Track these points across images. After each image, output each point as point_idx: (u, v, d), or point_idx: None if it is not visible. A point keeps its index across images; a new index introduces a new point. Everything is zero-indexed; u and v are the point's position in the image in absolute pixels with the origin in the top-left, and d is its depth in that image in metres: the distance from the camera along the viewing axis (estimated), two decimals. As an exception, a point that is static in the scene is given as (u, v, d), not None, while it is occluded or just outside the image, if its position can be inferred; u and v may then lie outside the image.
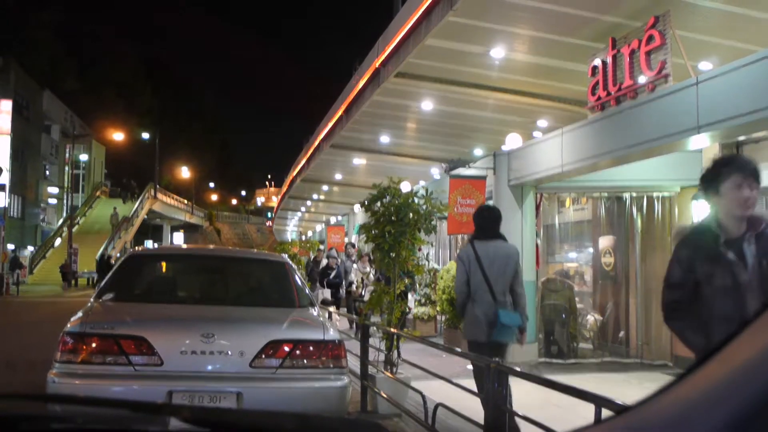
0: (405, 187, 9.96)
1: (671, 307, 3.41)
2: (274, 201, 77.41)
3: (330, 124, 21.13)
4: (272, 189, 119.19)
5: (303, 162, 28.89)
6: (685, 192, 10.59)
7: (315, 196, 34.48)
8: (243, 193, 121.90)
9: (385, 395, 6.63)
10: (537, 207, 11.48)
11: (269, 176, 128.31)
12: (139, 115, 68.41)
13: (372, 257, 11.49)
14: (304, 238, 39.66)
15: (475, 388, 5.28)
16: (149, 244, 56.19)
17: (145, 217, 58.13)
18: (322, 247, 22.27)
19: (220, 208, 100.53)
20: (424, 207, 7.46)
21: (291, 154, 37.36)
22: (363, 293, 13.36)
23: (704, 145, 8.99)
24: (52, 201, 50.85)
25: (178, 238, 69.34)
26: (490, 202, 11.72)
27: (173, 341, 4.75)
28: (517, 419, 3.96)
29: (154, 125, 63.22)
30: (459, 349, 6.40)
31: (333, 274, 16.01)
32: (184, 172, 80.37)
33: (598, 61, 9.55)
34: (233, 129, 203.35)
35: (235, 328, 5.03)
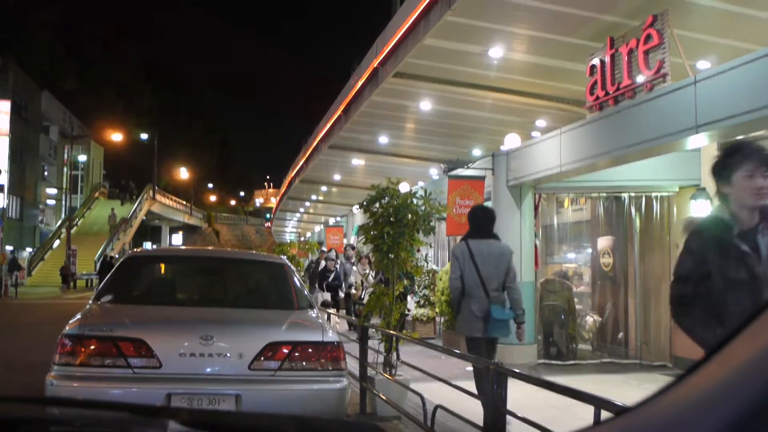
0: (403, 187, 9.96)
1: (681, 301, 3.23)
2: (273, 202, 77.46)
3: (328, 125, 21.15)
4: (271, 190, 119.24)
5: (301, 163, 28.91)
6: (683, 192, 10.59)
7: (314, 197, 34.52)
8: (242, 194, 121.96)
9: (384, 397, 6.62)
10: (536, 207, 11.48)
11: (268, 177, 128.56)
12: (137, 116, 68.38)
13: (371, 259, 11.49)
14: (302, 239, 39.71)
15: (474, 390, 5.28)
16: (148, 245, 56.13)
17: (144, 218, 58.16)
18: (324, 248, 22.24)
19: (219, 209, 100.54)
20: (423, 208, 7.45)
21: (290, 155, 37.39)
22: (363, 296, 13.33)
23: (702, 145, 8.99)
24: (51, 202, 50.82)
25: (177, 240, 69.33)
26: (489, 203, 11.72)
27: (172, 343, 4.74)
28: (515, 420, 3.95)
29: (152, 126, 63.24)
30: (458, 351, 6.41)
31: (332, 276, 15.93)
32: (183, 173, 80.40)
33: (596, 61, 9.56)
34: (232, 129, 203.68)
35: (234, 330, 5.03)
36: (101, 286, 5.97)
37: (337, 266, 16.35)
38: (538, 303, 11.20)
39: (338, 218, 32.48)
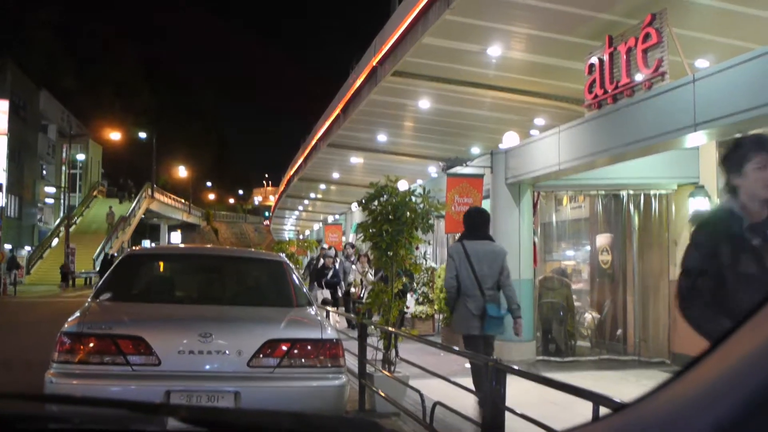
0: (402, 185, 9.97)
1: (688, 295, 3.09)
2: (272, 200, 77.39)
3: (327, 123, 21.14)
4: (270, 188, 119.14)
5: (300, 161, 28.90)
6: (681, 189, 10.60)
7: (312, 195, 34.50)
8: (240, 192, 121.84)
9: (383, 394, 6.63)
10: (534, 205, 11.48)
11: (267, 175, 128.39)
12: (136, 115, 68.29)
13: (370, 257, 11.50)
14: (301, 237, 39.71)
15: (473, 387, 5.30)
16: (147, 243, 56.11)
17: (143, 216, 58.12)
18: (326, 245, 22.23)
19: (218, 207, 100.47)
20: (422, 206, 7.45)
21: (289, 153, 37.34)
22: (363, 294, 13.32)
23: (701, 143, 9.00)
24: (49, 201, 50.80)
25: (176, 238, 69.29)
26: (488, 201, 11.73)
27: (171, 341, 4.75)
28: (515, 417, 3.96)
29: (151, 124, 63.15)
30: (456, 348, 6.43)
31: (330, 273, 15.87)
32: (182, 172, 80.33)
33: (594, 59, 9.55)
34: (231, 128, 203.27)
35: (233, 328, 5.03)
36: (100, 284, 5.98)
37: (336, 264, 16.31)
38: (536, 300, 11.21)
39: (337, 216, 32.48)
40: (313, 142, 24.48)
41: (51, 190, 49.93)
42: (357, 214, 23.17)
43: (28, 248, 43.29)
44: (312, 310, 5.79)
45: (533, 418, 3.70)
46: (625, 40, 8.96)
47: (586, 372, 10.03)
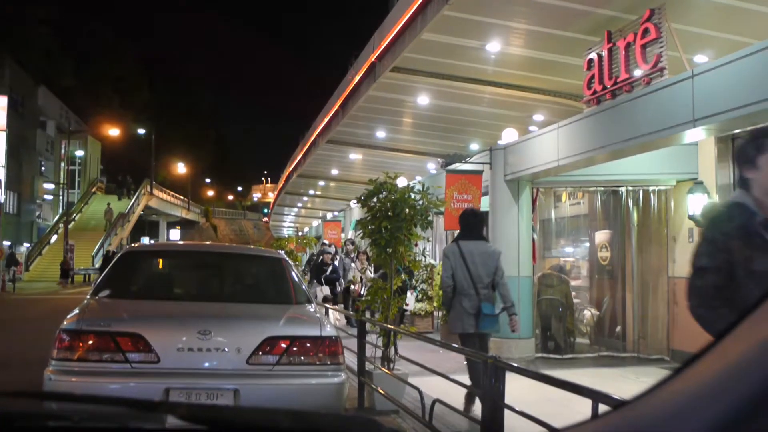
0: (401, 182, 9.97)
1: (700, 294, 2.94)
2: (271, 197, 77.37)
3: (326, 119, 21.12)
4: (269, 185, 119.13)
5: (299, 157, 28.88)
6: (681, 185, 10.60)
7: (311, 192, 34.48)
8: (239, 188, 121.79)
9: (382, 391, 6.63)
10: (533, 202, 11.48)
11: (266, 172, 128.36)
12: (135, 111, 68.20)
13: (369, 254, 11.49)
14: (300, 234, 39.72)
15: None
16: (145, 240, 56.12)
17: (142, 213, 58.08)
18: (326, 242, 22.22)
19: (217, 204, 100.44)
20: (421, 202, 7.46)
21: (287, 150, 37.30)
22: (363, 292, 13.31)
23: (700, 139, 9.01)
24: (48, 197, 50.76)
25: (175, 235, 69.32)
26: (487, 197, 11.73)
27: (170, 338, 4.75)
28: (514, 414, 3.96)
29: (150, 121, 63.09)
30: (456, 345, 6.43)
31: (329, 269, 15.85)
32: (181, 168, 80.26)
33: (593, 55, 9.54)
34: (230, 124, 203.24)
35: (232, 325, 5.03)
36: (99, 281, 5.98)
37: (336, 261, 16.28)
38: (535, 297, 11.22)
39: (336, 213, 32.48)
40: (312, 138, 24.46)
41: (50, 186, 49.87)
42: (356, 211, 23.18)
43: (26, 245, 43.26)
44: (311, 308, 5.79)
45: (532, 415, 3.70)
46: (623, 36, 8.95)
47: (585, 369, 10.03)
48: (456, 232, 7.90)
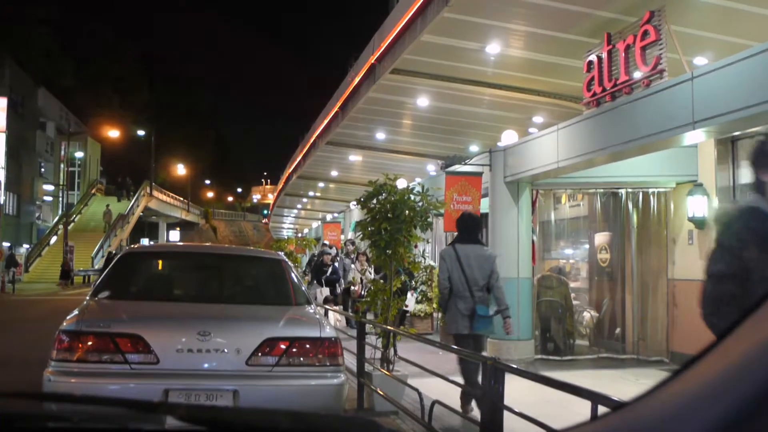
0: (401, 184, 9.96)
1: (714, 302, 2.85)
2: (270, 198, 77.37)
3: (326, 121, 21.12)
4: (268, 186, 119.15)
5: (299, 159, 28.88)
6: (680, 188, 10.60)
7: (311, 193, 34.47)
8: (239, 190, 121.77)
9: (381, 393, 6.63)
10: (533, 203, 11.48)
11: (265, 173, 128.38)
12: (135, 111, 68.20)
13: (369, 255, 11.49)
14: (300, 235, 39.72)
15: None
16: (145, 241, 56.10)
17: (141, 214, 58.05)
18: (326, 242, 22.22)
19: (216, 205, 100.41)
20: (420, 204, 7.46)
21: (287, 150, 37.30)
22: (363, 293, 13.30)
23: (699, 141, 9.01)
24: (48, 198, 50.73)
25: (174, 236, 69.29)
26: (486, 199, 11.73)
27: (169, 339, 4.75)
28: (513, 416, 3.96)
29: (150, 122, 63.03)
30: (455, 347, 6.44)
31: (329, 270, 15.84)
32: (180, 170, 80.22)
33: (593, 57, 9.55)
34: (230, 125, 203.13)
35: (232, 326, 5.03)
36: (98, 282, 5.98)
37: (336, 262, 16.28)
38: (535, 299, 11.22)
39: (336, 214, 32.48)
40: (312, 139, 24.46)
41: (49, 187, 49.84)
42: (356, 212, 23.16)
43: (26, 246, 43.24)
44: (311, 309, 5.79)
45: (532, 417, 3.70)
46: (623, 38, 8.95)
47: (585, 371, 10.04)
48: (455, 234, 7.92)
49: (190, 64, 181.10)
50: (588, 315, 11.79)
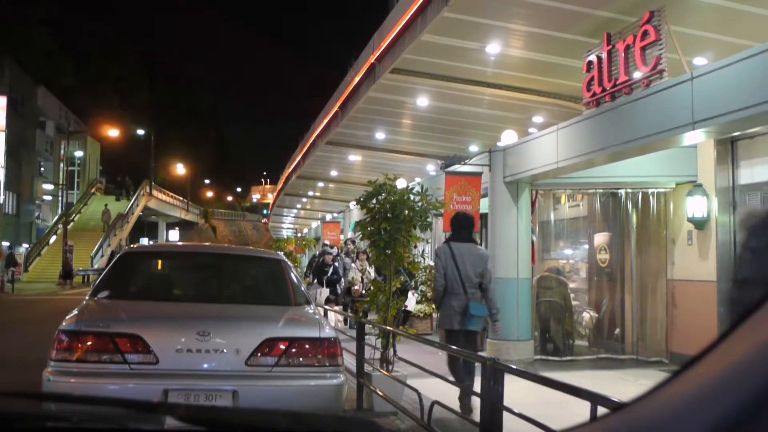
0: (400, 183, 9.96)
1: (744, 307, 2.77)
2: (270, 198, 77.36)
3: (325, 121, 21.12)
4: (268, 186, 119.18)
5: (298, 158, 28.87)
6: (680, 188, 10.60)
7: (311, 193, 34.46)
8: (239, 190, 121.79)
9: (381, 393, 6.63)
10: (532, 204, 11.48)
11: (265, 173, 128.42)
12: (135, 111, 68.14)
13: (369, 254, 11.49)
14: (299, 235, 39.71)
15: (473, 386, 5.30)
16: (144, 241, 56.09)
17: (141, 214, 58.04)
18: (327, 242, 22.20)
19: (216, 205, 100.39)
20: (420, 204, 7.46)
21: (287, 150, 37.28)
22: (364, 293, 13.30)
23: (699, 141, 9.01)
24: (47, 198, 50.73)
25: (174, 236, 69.23)
26: (486, 199, 11.73)
27: (169, 339, 4.75)
28: (513, 416, 3.96)
29: (149, 122, 63.03)
30: (455, 347, 6.44)
31: (330, 270, 15.82)
32: (180, 169, 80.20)
33: (593, 57, 9.55)
34: (230, 125, 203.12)
35: (231, 326, 5.02)
36: (98, 281, 5.98)
37: (337, 262, 16.26)
38: (534, 299, 11.21)
39: (335, 214, 32.48)
40: (312, 139, 24.46)
41: (49, 187, 49.82)
42: (355, 212, 23.16)
43: (25, 245, 43.23)
44: (310, 309, 5.79)
45: (531, 417, 3.70)
46: (623, 38, 8.95)
47: (584, 371, 10.03)
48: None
49: (190, 64, 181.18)
50: (587, 315, 11.79)
